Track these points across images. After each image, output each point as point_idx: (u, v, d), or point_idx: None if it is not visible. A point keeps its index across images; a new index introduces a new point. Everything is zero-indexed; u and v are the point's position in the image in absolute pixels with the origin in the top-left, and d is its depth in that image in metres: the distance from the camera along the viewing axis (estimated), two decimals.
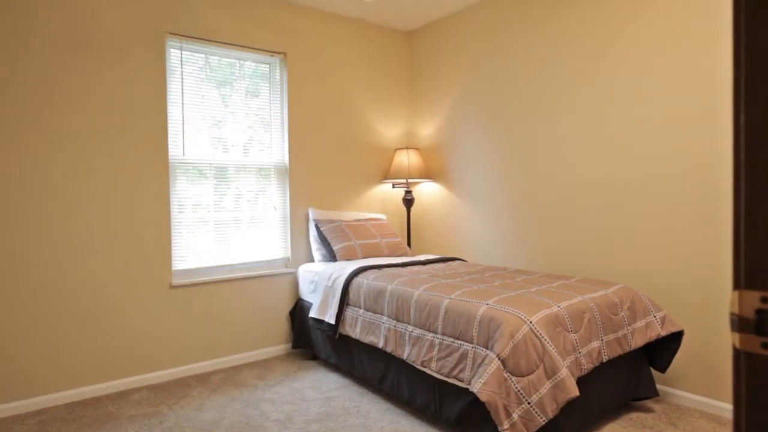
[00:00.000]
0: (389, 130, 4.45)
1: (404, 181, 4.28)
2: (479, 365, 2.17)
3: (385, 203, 4.46)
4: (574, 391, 2.08)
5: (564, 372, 2.10)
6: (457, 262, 3.65)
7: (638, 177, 2.95)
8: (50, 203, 2.92)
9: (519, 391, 2.07)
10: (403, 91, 4.54)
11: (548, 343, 2.15)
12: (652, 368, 2.75)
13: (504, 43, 3.70)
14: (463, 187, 4.08)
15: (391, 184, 4.47)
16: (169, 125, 3.35)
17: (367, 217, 4.13)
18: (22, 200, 2.84)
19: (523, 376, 2.09)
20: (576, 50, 3.24)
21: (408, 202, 4.32)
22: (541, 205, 3.49)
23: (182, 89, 3.41)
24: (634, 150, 2.96)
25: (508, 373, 2.10)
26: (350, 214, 4.05)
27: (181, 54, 3.40)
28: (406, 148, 4.25)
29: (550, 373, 2.11)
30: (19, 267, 2.84)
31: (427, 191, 4.43)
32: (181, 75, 3.40)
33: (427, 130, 4.41)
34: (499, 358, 2.10)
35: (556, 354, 2.13)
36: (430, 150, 4.39)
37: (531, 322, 2.17)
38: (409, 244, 4.40)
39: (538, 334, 2.15)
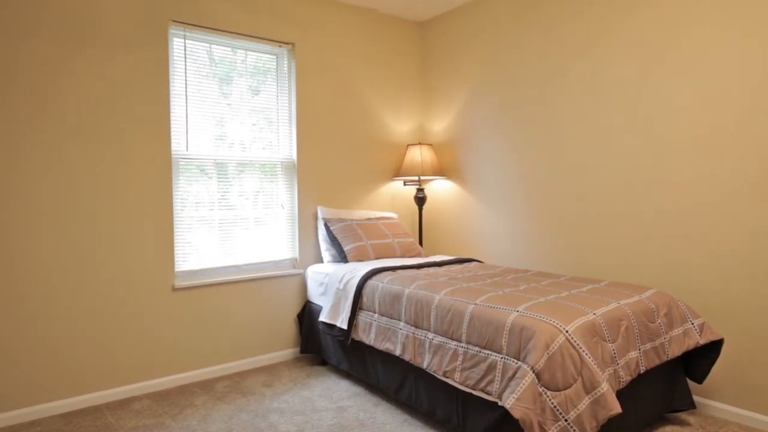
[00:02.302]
0: (400, 125, 4.27)
1: (416, 178, 4.10)
2: (510, 378, 1.99)
3: (395, 201, 4.28)
4: (616, 408, 1.91)
5: (605, 386, 1.93)
6: (474, 263, 3.48)
7: (668, 176, 2.77)
8: (49, 200, 2.74)
9: (555, 407, 1.90)
10: (414, 85, 4.36)
11: (586, 354, 1.97)
12: (688, 378, 2.58)
13: (523, 36, 3.52)
14: (477, 184, 3.90)
15: (402, 182, 4.29)
16: (172, 119, 3.17)
17: (378, 215, 3.95)
18: (20, 198, 2.66)
19: (559, 390, 1.92)
20: (602, 43, 3.05)
21: (420, 200, 4.14)
22: (561, 204, 3.31)
23: (186, 81, 3.22)
24: (664, 146, 2.78)
25: (542, 388, 1.92)
26: (361, 213, 3.88)
27: (185, 43, 3.22)
28: (419, 144, 4.07)
29: (590, 387, 1.93)
30: (14, 267, 2.66)
31: (439, 189, 4.26)
32: (185, 66, 3.22)
33: (439, 126, 4.24)
34: (533, 371, 1.93)
35: (595, 366, 1.96)
36: (442, 146, 4.21)
37: (567, 332, 1.99)
38: (420, 243, 4.22)
39: (575, 344, 1.97)
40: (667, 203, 2.79)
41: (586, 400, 1.92)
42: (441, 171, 4.10)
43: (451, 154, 4.13)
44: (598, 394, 1.92)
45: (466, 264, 3.42)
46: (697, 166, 2.67)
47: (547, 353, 1.94)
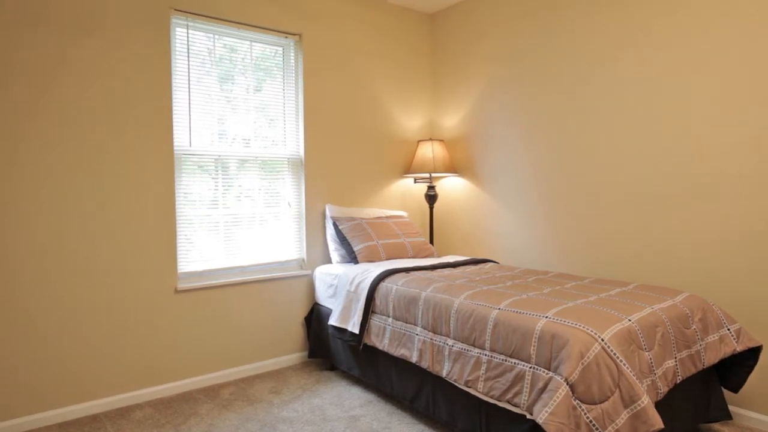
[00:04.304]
0: (410, 121, 4.12)
1: (427, 175, 3.95)
2: (542, 390, 1.85)
3: (405, 199, 4.13)
4: (658, 423, 1.76)
5: (645, 400, 1.78)
6: (490, 264, 3.33)
7: (700, 173, 2.62)
8: (47, 198, 2.59)
9: (591, 421, 1.75)
10: (424, 79, 4.21)
11: (624, 364, 1.82)
12: (723, 388, 2.43)
13: (540, 29, 3.36)
14: (491, 181, 3.75)
15: (413, 179, 4.14)
16: (174, 113, 3.02)
17: (388, 214, 3.80)
18: (17, 195, 2.51)
19: (595, 404, 1.77)
20: (625, 34, 2.90)
21: (431, 198, 3.99)
22: (578, 202, 3.16)
23: (188, 73, 3.07)
24: (687, 142, 2.63)
25: (577, 401, 1.78)
26: (370, 211, 3.72)
27: (188, 33, 3.06)
28: (430, 139, 3.92)
29: (628, 400, 1.79)
30: (10, 268, 2.51)
31: (451, 186, 4.11)
32: (188, 57, 3.07)
33: (451, 121, 4.08)
34: (567, 383, 1.78)
35: (633, 377, 1.81)
36: (454, 142, 4.06)
37: (603, 340, 1.85)
38: (431, 243, 4.07)
39: (611, 353, 1.83)
40: (691, 201, 2.64)
41: (624, 415, 1.78)
42: (453, 168, 3.95)
43: (464, 150, 3.97)
44: (638, 407, 1.77)
45: (481, 265, 3.28)
46: (722, 162, 2.52)
47: (582, 363, 1.79)
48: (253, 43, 3.35)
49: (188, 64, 3.07)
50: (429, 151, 3.87)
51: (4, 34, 2.47)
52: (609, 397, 1.78)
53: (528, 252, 3.51)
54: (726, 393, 2.56)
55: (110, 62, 2.76)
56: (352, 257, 3.36)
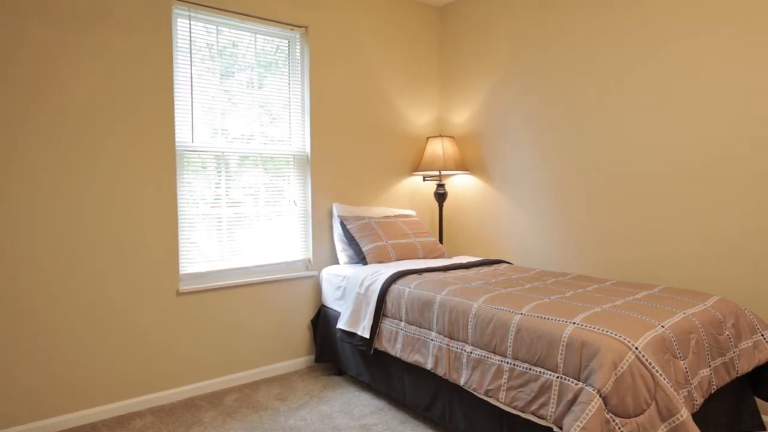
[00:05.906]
0: (419, 116, 3.99)
1: (437, 173, 3.82)
2: (571, 402, 1.72)
3: (414, 198, 4.01)
4: None
5: (684, 413, 1.66)
6: (504, 265, 3.20)
7: (723, 172, 2.49)
8: (46, 197, 2.46)
9: None
10: (433, 74, 4.08)
11: (660, 374, 1.70)
12: (756, 396, 2.31)
13: (552, 23, 3.23)
14: (503, 179, 3.63)
15: (422, 177, 4.01)
16: (176, 108, 2.90)
17: (396, 213, 3.67)
18: (14, 195, 2.38)
19: (629, 417, 1.65)
20: (645, 29, 2.77)
21: (441, 196, 3.86)
22: (592, 201, 3.03)
23: (191, 66, 2.95)
24: (711, 140, 2.50)
25: (610, 414, 1.65)
26: (378, 210, 3.60)
27: (190, 25, 2.93)
28: (440, 136, 3.79)
29: (666, 414, 1.66)
30: (7, 270, 2.39)
31: (461, 184, 3.98)
32: (190, 50, 2.94)
33: (460, 117, 3.95)
34: (599, 395, 1.66)
35: (671, 389, 1.69)
36: (464, 139, 3.93)
37: (637, 349, 1.72)
38: (440, 242, 3.94)
39: (647, 363, 1.70)
40: (713, 201, 2.51)
41: (662, 429, 1.65)
42: (463, 165, 3.82)
43: (475, 147, 3.85)
44: (677, 422, 1.65)
45: (495, 266, 3.15)
46: (747, 159, 2.39)
47: (615, 374, 1.67)
48: (258, 36, 3.22)
49: (190, 58, 2.94)
50: (439, 148, 3.74)
51: (3, 29, 2.35)
52: (645, 411, 1.66)
53: (541, 252, 3.38)
54: (759, 402, 2.44)
55: (111, 56, 2.63)
56: (360, 258, 3.23)
